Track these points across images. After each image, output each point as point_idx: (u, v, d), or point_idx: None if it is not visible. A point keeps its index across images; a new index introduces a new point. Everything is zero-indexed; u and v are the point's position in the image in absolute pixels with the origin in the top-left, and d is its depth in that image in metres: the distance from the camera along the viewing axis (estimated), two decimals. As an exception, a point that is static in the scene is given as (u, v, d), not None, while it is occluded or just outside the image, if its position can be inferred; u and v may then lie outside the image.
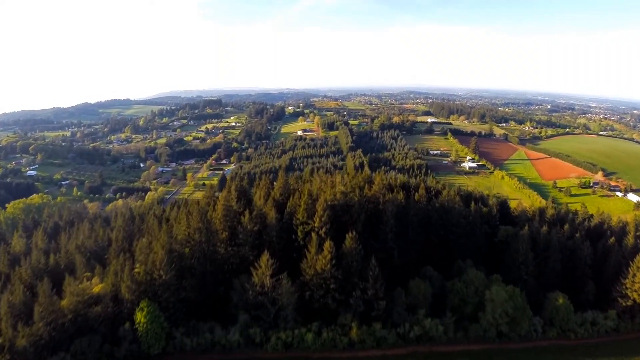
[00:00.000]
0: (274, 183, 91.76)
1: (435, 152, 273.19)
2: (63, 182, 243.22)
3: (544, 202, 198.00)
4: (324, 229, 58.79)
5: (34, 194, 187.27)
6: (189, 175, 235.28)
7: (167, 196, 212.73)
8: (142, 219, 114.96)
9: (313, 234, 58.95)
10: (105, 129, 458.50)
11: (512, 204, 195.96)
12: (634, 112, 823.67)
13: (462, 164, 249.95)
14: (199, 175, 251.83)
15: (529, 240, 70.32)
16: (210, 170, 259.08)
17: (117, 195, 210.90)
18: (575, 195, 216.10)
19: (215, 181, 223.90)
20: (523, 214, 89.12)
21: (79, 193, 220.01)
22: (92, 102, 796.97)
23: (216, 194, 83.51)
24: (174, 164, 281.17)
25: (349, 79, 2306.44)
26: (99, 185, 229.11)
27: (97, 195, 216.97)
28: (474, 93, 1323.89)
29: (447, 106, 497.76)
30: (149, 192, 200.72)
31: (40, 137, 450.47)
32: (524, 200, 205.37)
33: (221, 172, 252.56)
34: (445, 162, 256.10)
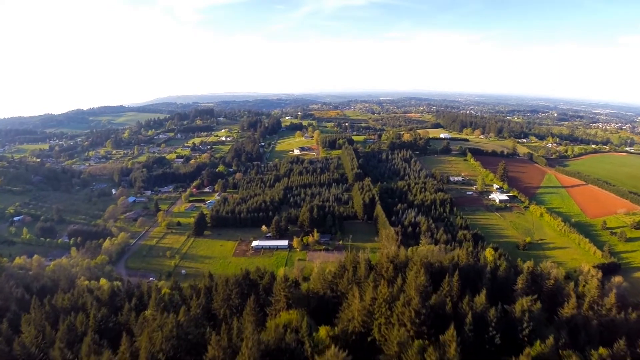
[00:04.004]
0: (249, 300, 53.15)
1: (456, 178, 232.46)
2: (16, 218, 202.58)
3: (599, 253, 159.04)
4: None
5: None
6: (160, 212, 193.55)
7: (132, 240, 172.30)
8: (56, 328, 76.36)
9: None
10: (86, 143, 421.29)
11: (564, 257, 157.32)
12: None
13: (491, 196, 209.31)
14: (175, 208, 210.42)
15: None
16: (190, 201, 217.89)
17: (72, 241, 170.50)
18: (631, 239, 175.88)
19: (192, 219, 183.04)
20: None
21: (28, 236, 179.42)
22: (84, 109, 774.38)
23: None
24: (149, 192, 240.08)
25: (348, 84, 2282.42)
26: (52, 226, 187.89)
27: (48, 240, 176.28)
28: (474, 98, 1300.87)
29: (458, 118, 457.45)
30: (107, 240, 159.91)
31: (15, 150, 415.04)
32: (573, 249, 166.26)
33: (202, 204, 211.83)
34: (470, 192, 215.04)
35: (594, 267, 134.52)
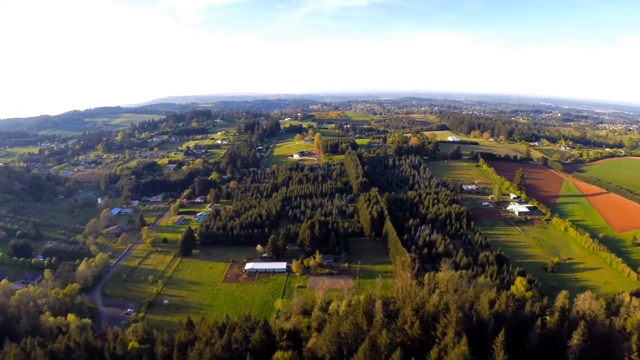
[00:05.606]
0: None
1: (469, 187, 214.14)
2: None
3: (633, 275, 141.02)
4: None
5: None
6: (145, 227, 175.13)
7: (113, 260, 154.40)
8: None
9: None
10: (77, 146, 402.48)
11: (596, 280, 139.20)
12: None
13: (509, 207, 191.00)
14: (163, 222, 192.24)
15: None
16: (179, 213, 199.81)
17: (46, 261, 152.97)
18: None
19: (180, 235, 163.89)
20: None
21: (0, 254, 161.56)
22: (82, 110, 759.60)
23: None
24: (136, 202, 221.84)
25: (348, 84, 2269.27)
26: (27, 243, 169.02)
27: (21, 259, 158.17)
28: (474, 98, 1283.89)
29: (465, 120, 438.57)
30: (83, 262, 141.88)
31: (4, 154, 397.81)
32: (605, 270, 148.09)
33: (192, 217, 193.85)
34: (486, 203, 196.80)
35: (633, 294, 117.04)
